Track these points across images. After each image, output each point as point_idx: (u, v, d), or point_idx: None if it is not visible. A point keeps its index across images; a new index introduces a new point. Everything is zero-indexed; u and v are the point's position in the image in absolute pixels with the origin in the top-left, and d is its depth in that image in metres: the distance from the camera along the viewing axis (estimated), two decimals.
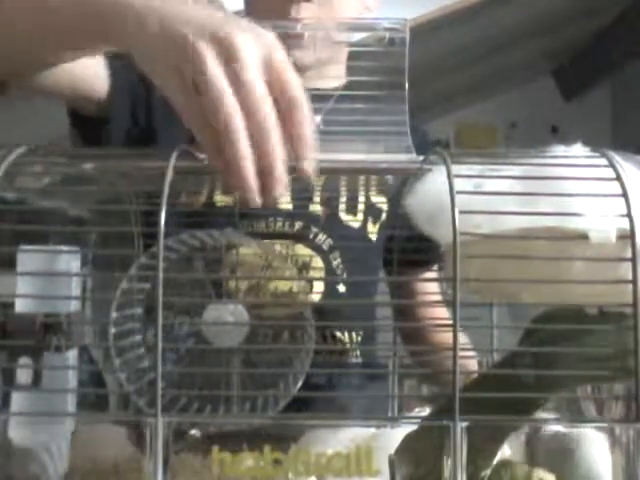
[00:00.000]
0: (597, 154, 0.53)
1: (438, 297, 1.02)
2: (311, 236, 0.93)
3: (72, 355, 0.49)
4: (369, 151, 0.64)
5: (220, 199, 0.92)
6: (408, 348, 0.85)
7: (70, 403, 0.48)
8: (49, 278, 0.48)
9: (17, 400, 0.47)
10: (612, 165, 0.51)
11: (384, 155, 0.62)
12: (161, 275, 0.46)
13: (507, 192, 0.52)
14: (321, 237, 0.94)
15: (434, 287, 1.03)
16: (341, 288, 0.95)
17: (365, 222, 0.97)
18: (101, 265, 0.69)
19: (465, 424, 0.46)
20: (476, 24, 2.42)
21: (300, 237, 0.92)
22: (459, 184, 0.53)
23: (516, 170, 0.55)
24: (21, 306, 0.48)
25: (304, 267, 0.92)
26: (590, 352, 0.49)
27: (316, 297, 0.89)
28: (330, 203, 0.93)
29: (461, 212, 0.49)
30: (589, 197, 0.50)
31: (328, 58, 0.98)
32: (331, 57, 0.98)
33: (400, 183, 0.70)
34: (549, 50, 3.09)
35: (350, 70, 0.85)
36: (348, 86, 0.89)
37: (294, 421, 0.51)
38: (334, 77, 0.99)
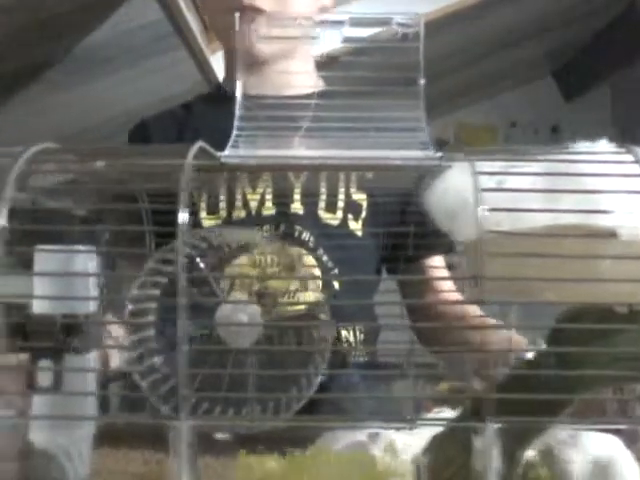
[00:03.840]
0: (623, 150, 0.52)
1: (449, 282, 1.00)
2: (296, 234, 0.94)
3: (92, 357, 0.48)
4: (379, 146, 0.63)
5: (206, 217, 0.94)
6: (429, 349, 0.84)
7: (90, 406, 0.47)
8: (66, 278, 0.47)
9: (38, 403, 0.46)
10: (639, 161, 0.50)
11: (401, 151, 0.61)
12: (182, 274, 0.45)
13: (532, 189, 0.51)
14: (305, 235, 0.95)
15: (444, 273, 1.03)
16: (335, 284, 0.95)
17: (345, 219, 0.97)
18: (111, 265, 0.68)
19: (497, 425, 0.45)
20: (476, 24, 2.41)
21: (286, 237, 0.93)
22: (481, 181, 0.52)
23: (538, 167, 0.54)
24: (38, 307, 0.47)
25: (295, 263, 0.93)
26: (620, 352, 0.48)
27: (314, 295, 0.90)
28: (309, 202, 0.94)
29: (485, 209, 0.47)
30: (617, 194, 0.49)
31: (287, 53, 1.02)
32: (291, 52, 1.02)
33: (417, 179, 0.69)
34: (549, 50, 3.09)
35: (364, 66, 0.85)
36: (362, 82, 0.88)
37: (316, 423, 0.50)
38: (304, 85, 1.01)
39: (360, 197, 0.97)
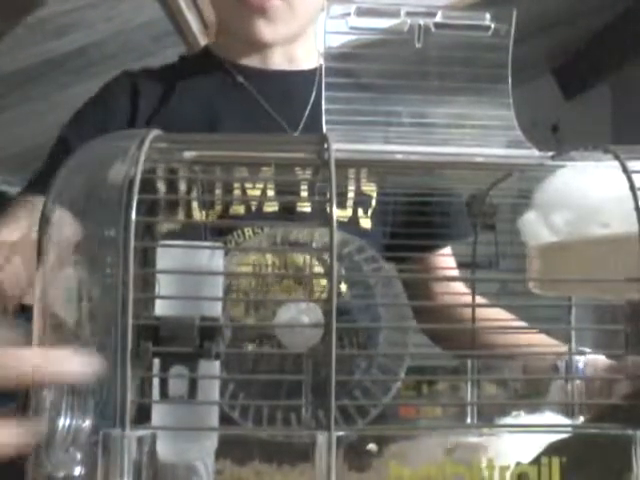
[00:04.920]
0: None
1: (455, 275, 0.97)
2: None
3: (217, 364, 0.44)
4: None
5: (198, 210, 0.88)
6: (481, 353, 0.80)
7: (215, 416, 0.44)
8: (191, 277, 0.44)
9: (168, 413, 0.43)
10: None
11: (505, 150, 0.59)
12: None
13: None
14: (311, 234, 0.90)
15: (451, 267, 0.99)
16: (342, 286, 0.86)
17: (355, 214, 0.93)
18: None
19: None
20: None
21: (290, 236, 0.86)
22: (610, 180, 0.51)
23: None
24: (161, 309, 0.43)
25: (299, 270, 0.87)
26: None
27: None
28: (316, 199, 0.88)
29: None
30: None
31: (292, 36, 0.97)
32: (296, 35, 0.97)
33: (497, 179, 0.67)
34: (549, 49, 3.10)
35: (449, 60, 0.83)
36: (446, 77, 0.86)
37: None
38: (304, 59, 0.99)
39: (370, 189, 0.92)
